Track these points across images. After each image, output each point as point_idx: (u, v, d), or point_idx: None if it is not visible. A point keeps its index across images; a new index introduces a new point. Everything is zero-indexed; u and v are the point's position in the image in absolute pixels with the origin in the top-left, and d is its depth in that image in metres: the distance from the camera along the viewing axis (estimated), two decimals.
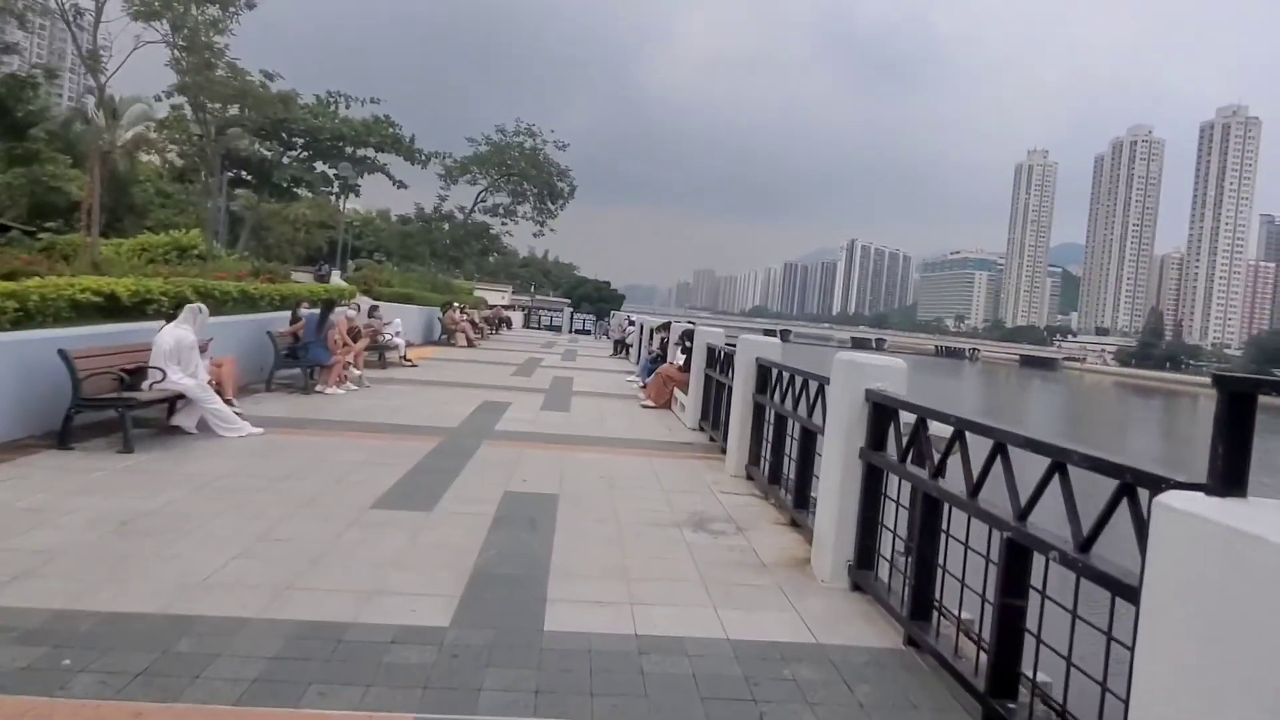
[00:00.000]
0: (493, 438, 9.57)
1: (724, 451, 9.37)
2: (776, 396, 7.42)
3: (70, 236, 20.01)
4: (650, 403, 13.68)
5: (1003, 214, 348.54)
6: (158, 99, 26.41)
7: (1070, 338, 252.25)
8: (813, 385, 6.35)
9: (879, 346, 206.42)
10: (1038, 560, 3.28)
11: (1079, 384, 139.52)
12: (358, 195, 39.67)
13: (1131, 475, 2.68)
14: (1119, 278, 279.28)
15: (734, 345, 10.77)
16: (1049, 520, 3.38)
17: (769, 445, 7.58)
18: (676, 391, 13.24)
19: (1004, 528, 3.40)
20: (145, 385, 8.10)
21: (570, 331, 48.17)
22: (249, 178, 32.58)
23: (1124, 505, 2.75)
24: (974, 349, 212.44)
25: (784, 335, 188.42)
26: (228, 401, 8.88)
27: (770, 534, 6.21)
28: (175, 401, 8.47)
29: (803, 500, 6.40)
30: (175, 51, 17.47)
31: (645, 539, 5.84)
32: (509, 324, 41.34)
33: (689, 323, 17.63)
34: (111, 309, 9.61)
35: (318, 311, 12.66)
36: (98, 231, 16.54)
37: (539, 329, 48.55)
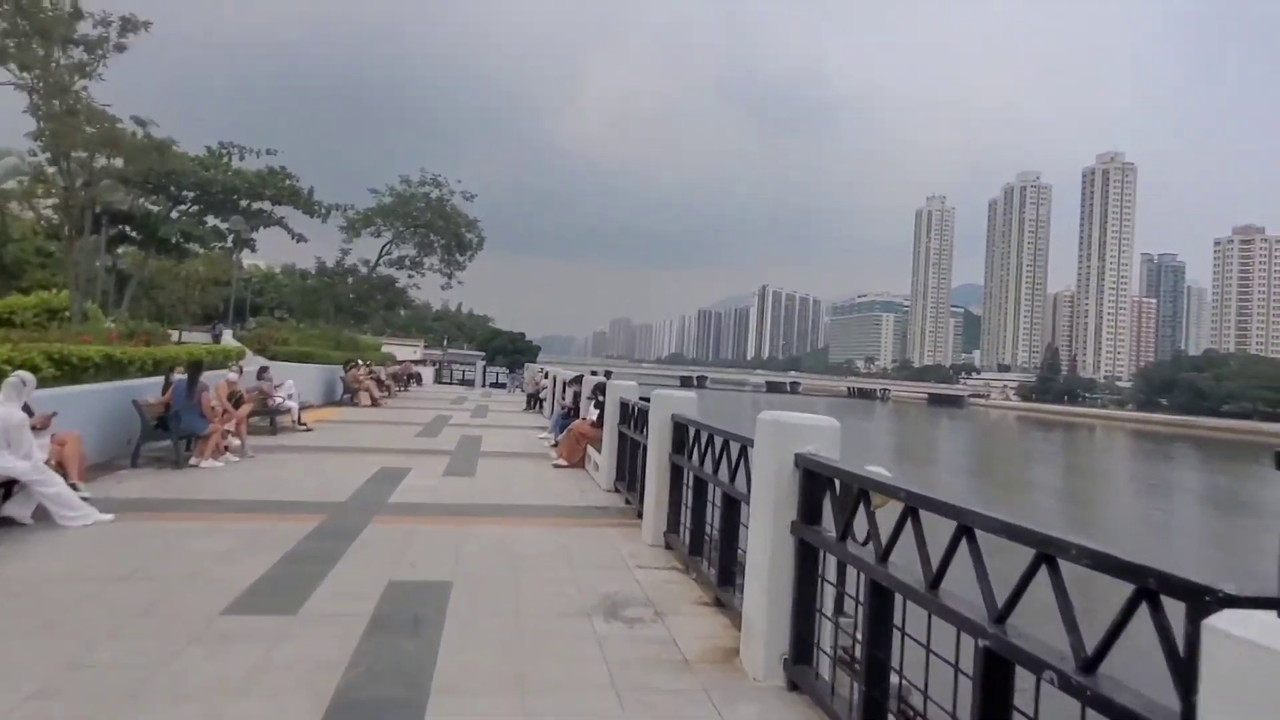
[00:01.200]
0: (384, 512, 8.61)
1: (640, 516, 8.64)
2: (695, 458, 6.74)
3: None
4: (563, 461, 12.86)
5: (906, 257, 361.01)
6: (32, 153, 24.78)
7: (975, 375, 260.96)
8: (734, 447, 5.68)
9: (794, 389, 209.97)
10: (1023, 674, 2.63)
11: (985, 420, 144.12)
12: (254, 250, 37.97)
13: (1157, 581, 2.04)
14: (1017, 316, 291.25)
15: (648, 400, 10.16)
16: (1029, 618, 2.75)
17: (689, 512, 6.88)
18: (590, 449, 12.47)
19: (979, 634, 2.74)
20: None
21: (483, 386, 46.95)
22: (134, 234, 30.73)
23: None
24: (885, 389, 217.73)
25: (700, 381, 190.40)
26: (72, 485, 7.72)
27: (693, 619, 5.46)
28: (11, 488, 7.30)
29: (728, 576, 5.69)
30: (33, 96, 16.04)
31: (549, 634, 5.02)
32: (419, 380, 39.92)
33: (602, 374, 16.93)
34: None
35: (186, 376, 11.49)
36: None
37: (451, 384, 47.21)
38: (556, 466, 12.76)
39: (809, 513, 4.31)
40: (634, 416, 9.83)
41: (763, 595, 4.43)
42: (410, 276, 38.80)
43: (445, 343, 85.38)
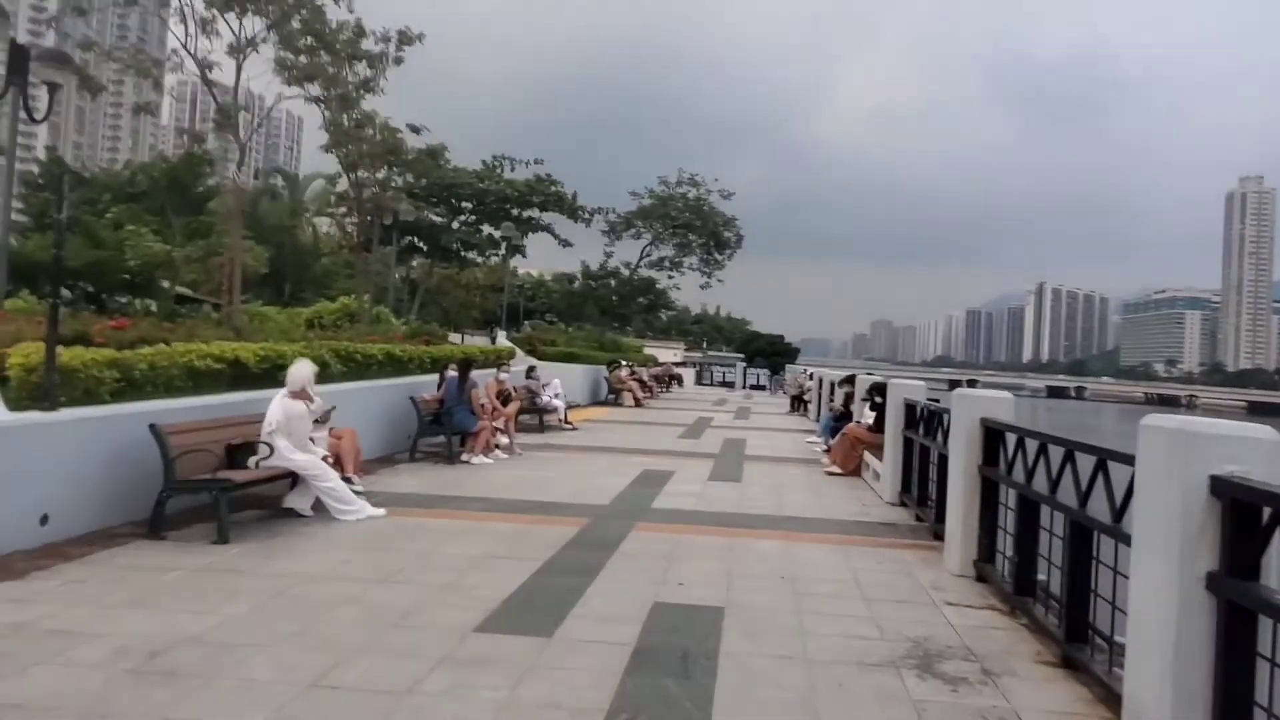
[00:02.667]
0: (648, 519, 7.98)
1: (938, 537, 7.36)
2: (1017, 473, 5.41)
3: (249, 307, 20.47)
4: (836, 469, 11.71)
5: (1214, 248, 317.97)
6: (335, 176, 27.32)
7: None
8: (1086, 461, 4.35)
9: (1079, 395, 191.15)
10: None
11: None
12: (524, 256, 39.85)
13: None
14: None
15: (937, 402, 8.81)
16: None
17: (1011, 539, 5.57)
18: (867, 456, 11.23)
19: None
20: (250, 463, 7.10)
21: (744, 388, 46.39)
22: (421, 244, 33.32)
23: None
24: (1191, 396, 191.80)
25: (970, 385, 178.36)
26: (347, 479, 7.78)
27: (1036, 684, 4.20)
28: (295, 480, 7.45)
29: (1079, 630, 4.38)
30: (327, 112, 17.44)
31: (849, 692, 3.99)
32: (680, 381, 40.06)
33: (870, 374, 15.49)
34: (239, 376, 8.85)
35: (458, 374, 11.64)
36: (239, 295, 16.47)
37: (711, 385, 47.15)
38: (829, 474, 11.63)
39: (1237, 562, 2.98)
40: (924, 420, 8.54)
41: (1161, 671, 3.14)
42: (670, 277, 38.99)
43: (705, 345, 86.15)
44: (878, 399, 11.39)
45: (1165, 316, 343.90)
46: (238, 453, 7.21)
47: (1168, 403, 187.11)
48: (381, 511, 7.55)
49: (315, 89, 16.73)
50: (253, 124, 16.82)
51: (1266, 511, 2.86)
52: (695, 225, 36.68)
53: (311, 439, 7.70)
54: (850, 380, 14.50)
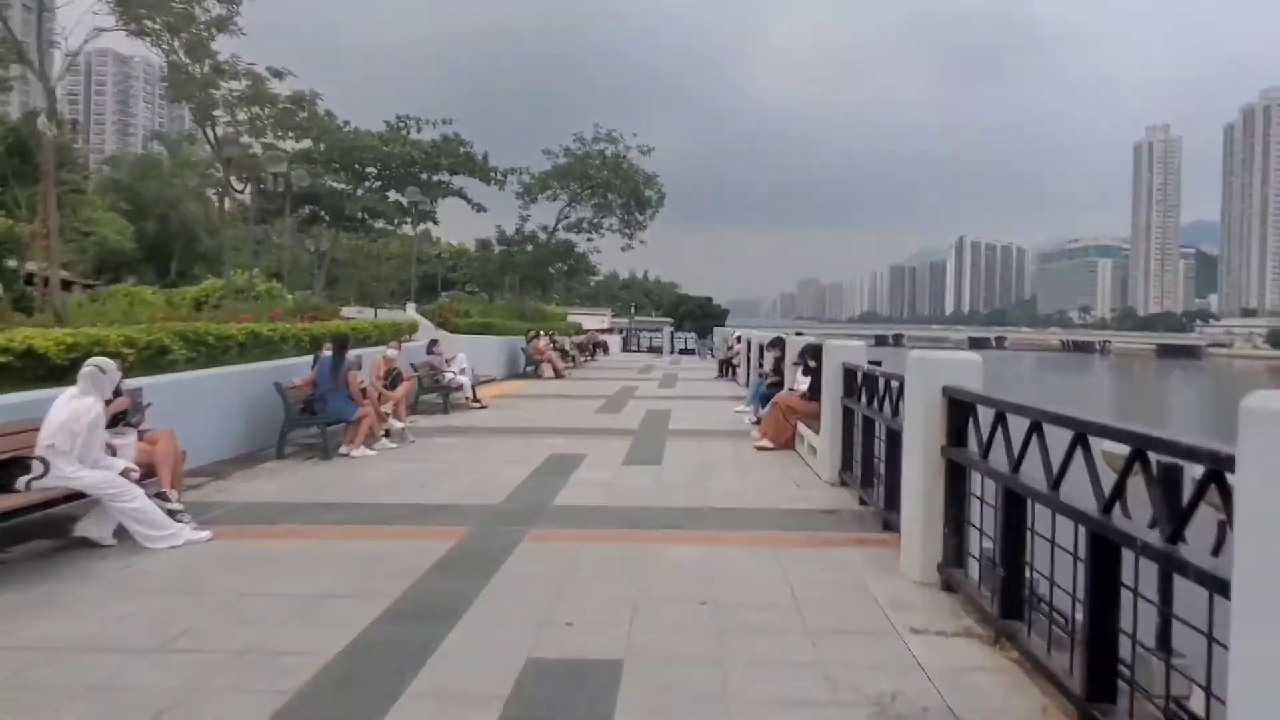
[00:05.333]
0: (544, 522, 6.61)
1: (888, 527, 6.16)
2: (998, 459, 4.17)
3: (119, 287, 18.34)
4: (767, 443, 10.49)
5: (1123, 197, 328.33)
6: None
7: (1212, 321, 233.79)
8: (1114, 449, 3.11)
9: (999, 345, 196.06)
10: None
11: (1229, 372, 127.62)
12: (436, 223, 37.68)
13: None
14: (1263, 253, 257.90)
15: (879, 364, 7.61)
16: None
17: (990, 541, 4.35)
18: (801, 427, 10.03)
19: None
20: (19, 484, 5.49)
21: (672, 353, 45.25)
22: (324, 214, 30.97)
23: None
24: (1105, 341, 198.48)
25: (896, 339, 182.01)
26: (160, 496, 6.20)
27: None
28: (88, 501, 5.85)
29: (1103, 680, 3.16)
30: (171, 56, 15.21)
31: None
32: (605, 349, 38.69)
33: (793, 335, 14.28)
34: (55, 370, 7.16)
35: (331, 354, 10.03)
36: (57, 272, 14.27)
37: (639, 351, 45.88)
38: (760, 449, 10.41)
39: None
40: (864, 388, 7.32)
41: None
42: (590, 239, 37.24)
43: (633, 310, 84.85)
44: (811, 363, 10.18)
45: (1079, 265, 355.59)
46: (4, 471, 5.59)
47: (1083, 349, 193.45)
48: (205, 534, 6.00)
49: (155, 26, 14.43)
50: (66, 64, 14.47)
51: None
52: (614, 184, 34.98)
53: (112, 447, 6.10)
54: (778, 343, 13.28)
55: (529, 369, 23.57)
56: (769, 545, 5.97)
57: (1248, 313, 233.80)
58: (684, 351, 45.32)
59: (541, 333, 25.29)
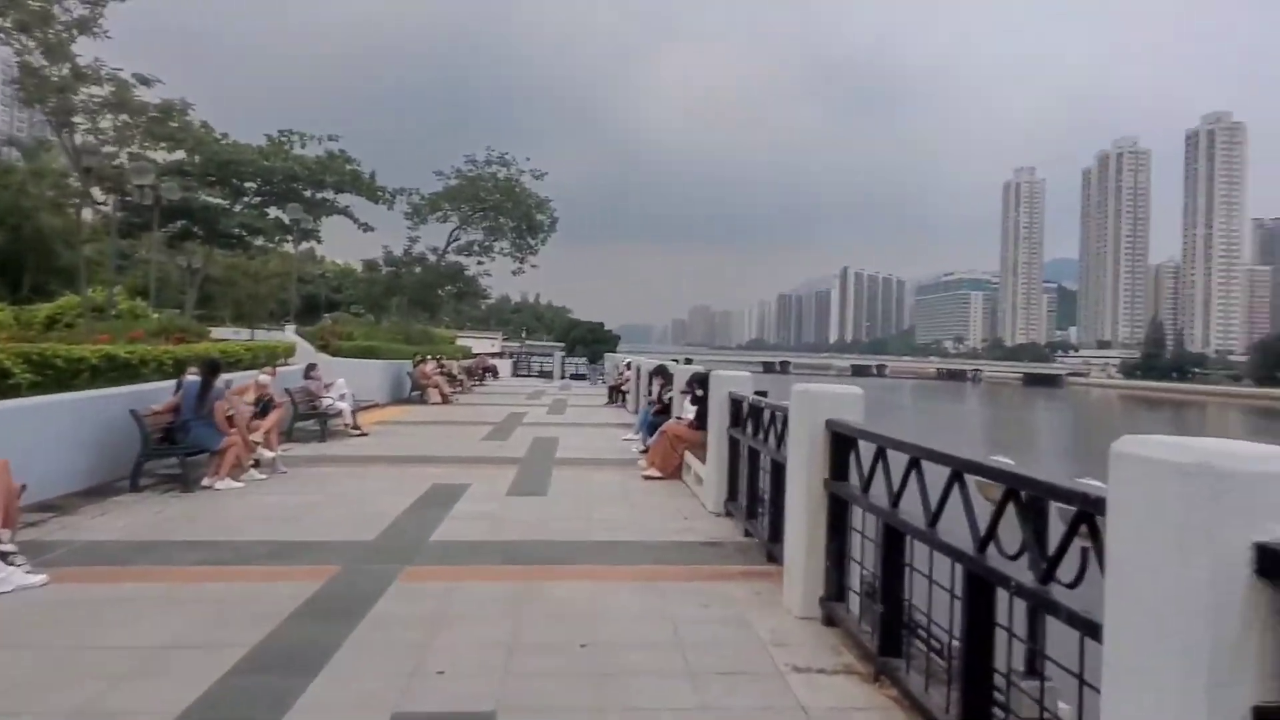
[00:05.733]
0: (421, 559, 6.31)
1: (771, 559, 6.15)
2: (879, 494, 4.18)
3: None
4: (654, 472, 10.42)
5: (994, 233, 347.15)
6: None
7: (1072, 352, 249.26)
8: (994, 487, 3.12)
9: (880, 372, 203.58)
10: None
11: (1086, 399, 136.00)
12: (319, 241, 36.42)
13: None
14: (1116, 289, 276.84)
15: (765, 395, 7.66)
16: None
17: (869, 574, 4.35)
18: (688, 456, 10.00)
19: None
20: None
21: (562, 378, 45.00)
22: (197, 230, 29.37)
23: None
24: (976, 370, 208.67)
25: (783, 367, 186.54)
26: None
27: None
28: None
29: (981, 705, 3.16)
30: (24, 55, 14.06)
31: None
32: (495, 373, 38.10)
33: (682, 361, 14.36)
34: None
35: (199, 379, 9.43)
36: None
37: (529, 376, 45.45)
38: (647, 478, 10.33)
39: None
40: (750, 418, 7.34)
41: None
42: (480, 262, 36.60)
43: (524, 334, 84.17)
44: (699, 391, 10.19)
45: (953, 297, 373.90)
46: None
47: (956, 377, 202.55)
48: (39, 579, 5.46)
49: (4, 24, 13.34)
50: None
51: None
52: (506, 207, 34.58)
53: None
54: (662, 371, 13.28)
55: (415, 394, 22.93)
56: (653, 580, 5.85)
57: (1103, 344, 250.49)
58: (575, 377, 45.15)
59: (429, 356, 24.67)
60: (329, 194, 30.44)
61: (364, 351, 23.11)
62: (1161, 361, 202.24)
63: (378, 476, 10.17)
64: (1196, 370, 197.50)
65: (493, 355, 46.99)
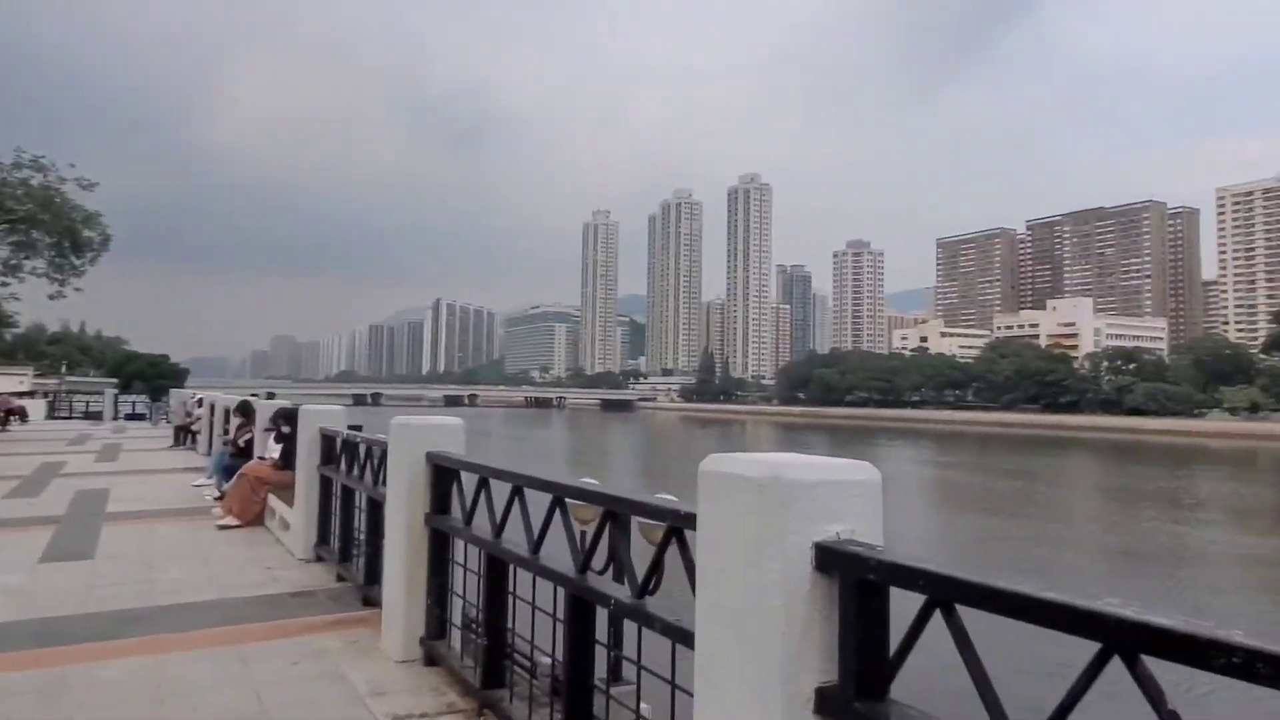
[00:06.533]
0: None
1: (369, 603, 5.84)
2: (482, 525, 4.16)
3: None
4: (232, 520, 9.38)
5: (576, 270, 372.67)
6: None
7: (642, 379, 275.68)
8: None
9: (472, 402, 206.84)
10: None
11: (653, 422, 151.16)
12: None
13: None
14: (676, 323, 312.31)
15: (360, 429, 7.35)
16: None
17: (473, 609, 4.30)
18: (273, 500, 9.18)
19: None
20: None
21: (116, 419, 39.13)
22: None
23: None
24: (560, 397, 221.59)
25: (375, 398, 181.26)
26: None
27: None
28: None
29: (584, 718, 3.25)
30: None
31: None
32: (23, 416, 31.91)
33: (264, 395, 13.30)
34: None
35: None
36: None
37: (71, 418, 38.86)
38: (223, 528, 9.27)
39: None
40: (346, 454, 6.95)
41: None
42: (6, 284, 30.28)
43: (64, 369, 71.64)
44: (285, 428, 9.42)
45: (540, 329, 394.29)
46: None
47: (543, 404, 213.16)
48: None
49: None
50: None
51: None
52: (42, 220, 29.08)
53: None
54: (244, 408, 12.14)
55: None
56: (232, 643, 5.22)
57: (667, 372, 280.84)
58: (131, 417, 39.56)
59: None
60: None
61: None
62: (712, 386, 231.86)
63: None
64: (739, 393, 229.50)
65: (18, 395, 39.39)
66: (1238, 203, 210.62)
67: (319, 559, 7.52)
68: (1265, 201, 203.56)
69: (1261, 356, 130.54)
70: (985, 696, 1.71)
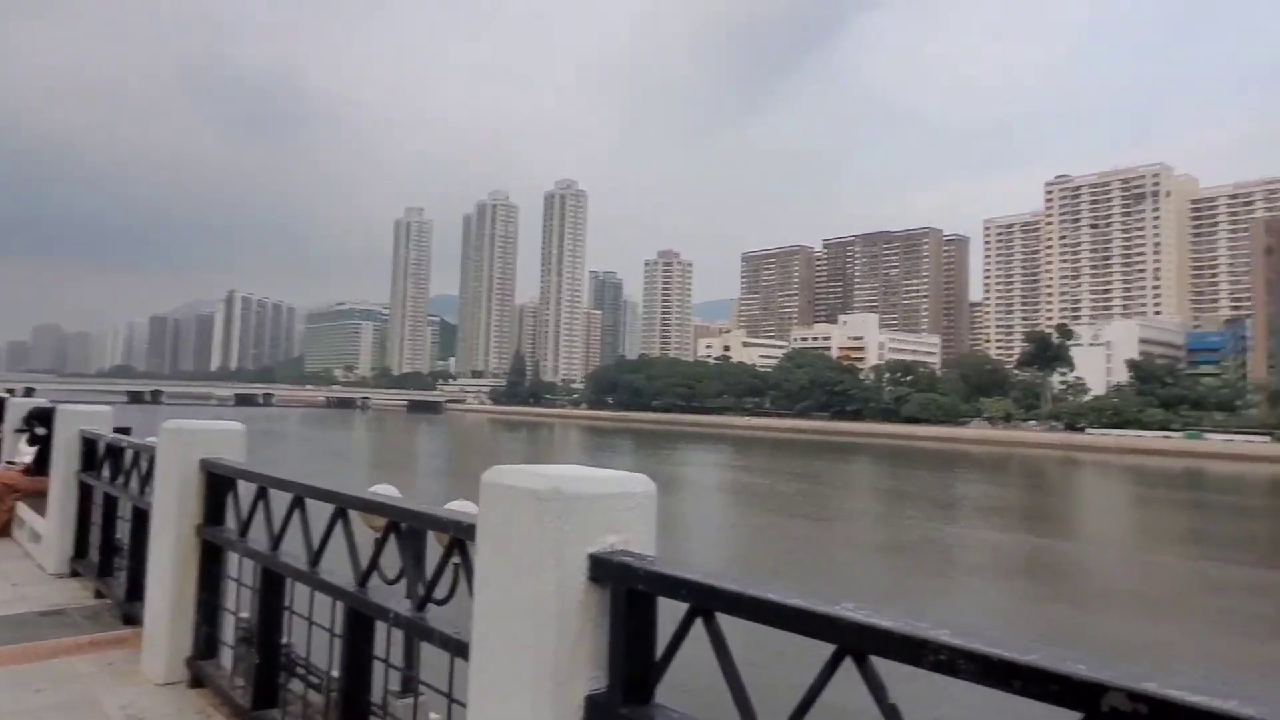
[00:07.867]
0: None
1: (130, 621, 5.39)
2: (258, 537, 3.94)
3: None
4: None
5: (385, 267, 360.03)
6: None
7: (451, 381, 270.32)
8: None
9: (266, 401, 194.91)
10: None
11: (461, 424, 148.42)
12: None
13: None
14: (488, 325, 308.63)
15: (129, 432, 6.78)
16: None
17: (246, 626, 4.07)
18: (21, 510, 8.26)
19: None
20: None
21: None
22: None
23: None
24: (365, 398, 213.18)
25: (155, 396, 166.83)
26: None
27: None
28: None
29: None
30: None
31: None
32: None
33: (21, 391, 11.98)
34: None
35: None
36: None
37: None
38: None
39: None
40: (110, 460, 6.37)
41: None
42: None
43: None
44: (39, 430, 8.50)
45: (344, 326, 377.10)
46: None
47: (346, 405, 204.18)
48: None
49: None
50: None
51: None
52: None
53: None
54: None
55: None
56: None
57: (477, 374, 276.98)
58: None
59: None
60: None
61: None
62: (522, 389, 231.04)
63: None
64: (548, 396, 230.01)
65: None
66: (1000, 234, 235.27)
67: (74, 574, 6.84)
68: (1023, 234, 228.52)
69: (1016, 372, 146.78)
70: (738, 698, 1.82)
